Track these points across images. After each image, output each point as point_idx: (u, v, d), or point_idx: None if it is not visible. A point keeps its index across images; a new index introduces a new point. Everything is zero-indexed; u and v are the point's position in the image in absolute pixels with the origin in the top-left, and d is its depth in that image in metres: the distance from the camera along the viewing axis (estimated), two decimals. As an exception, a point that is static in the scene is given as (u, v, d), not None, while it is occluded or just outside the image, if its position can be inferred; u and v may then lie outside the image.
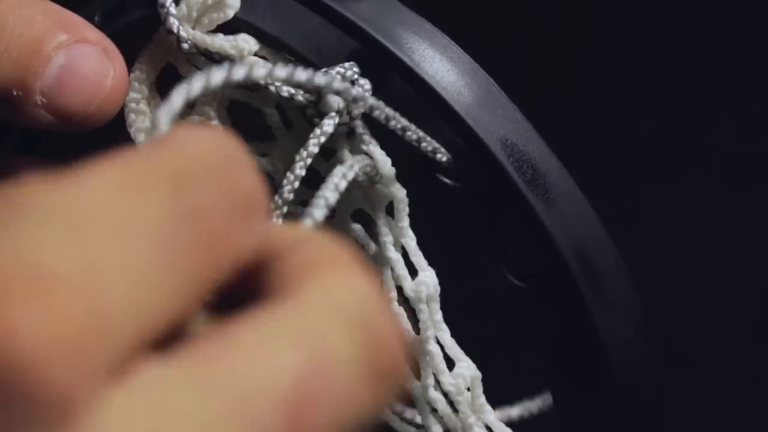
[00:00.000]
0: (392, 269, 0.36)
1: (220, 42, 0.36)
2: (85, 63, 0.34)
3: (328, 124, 0.35)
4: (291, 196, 0.36)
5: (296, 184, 0.36)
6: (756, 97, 0.55)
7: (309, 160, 0.35)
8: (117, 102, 0.35)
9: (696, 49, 0.55)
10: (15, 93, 0.33)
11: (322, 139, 0.35)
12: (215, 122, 0.37)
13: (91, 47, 0.34)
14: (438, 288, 0.36)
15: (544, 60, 0.51)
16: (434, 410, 0.38)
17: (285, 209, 0.36)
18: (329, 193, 0.34)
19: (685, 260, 0.55)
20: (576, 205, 0.36)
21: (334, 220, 0.38)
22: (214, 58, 0.36)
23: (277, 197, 0.35)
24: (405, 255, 0.36)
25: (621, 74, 0.55)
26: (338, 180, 0.34)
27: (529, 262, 0.36)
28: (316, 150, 0.35)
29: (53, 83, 0.34)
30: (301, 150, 0.35)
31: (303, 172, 0.36)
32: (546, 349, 0.37)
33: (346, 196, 0.37)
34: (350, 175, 0.34)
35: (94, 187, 0.20)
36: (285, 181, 0.35)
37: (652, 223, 0.38)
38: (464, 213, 0.36)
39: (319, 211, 0.32)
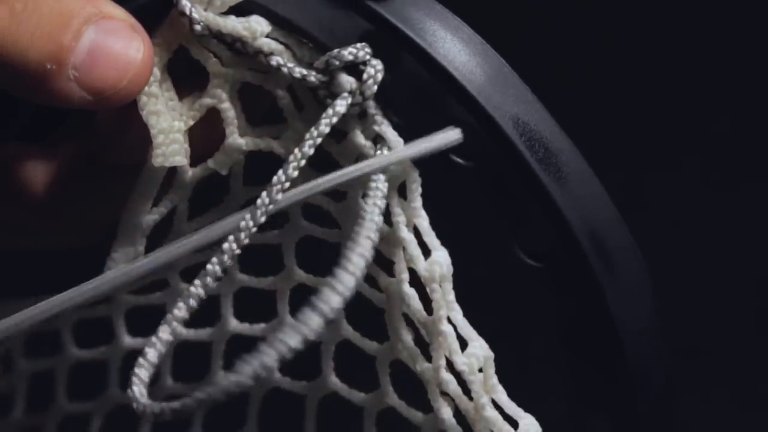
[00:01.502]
0: (405, 249, 0.36)
1: (233, 24, 0.36)
2: (115, 38, 0.34)
3: (341, 104, 0.35)
4: (295, 173, 0.35)
5: (303, 162, 0.35)
6: (760, 88, 0.55)
7: (319, 140, 0.35)
8: (146, 78, 0.35)
9: (699, 40, 0.55)
10: (49, 67, 0.33)
11: (335, 120, 0.35)
12: (226, 104, 0.37)
13: (119, 22, 0.34)
14: (451, 268, 0.36)
15: (546, 51, 0.51)
16: (444, 393, 0.38)
17: (287, 185, 0.35)
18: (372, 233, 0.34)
19: (686, 251, 0.55)
20: (588, 184, 0.36)
21: (346, 201, 0.38)
22: (226, 40, 0.36)
23: (281, 172, 0.35)
24: (417, 235, 0.36)
25: (623, 65, 0.55)
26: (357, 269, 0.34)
27: (542, 242, 0.36)
28: (327, 129, 0.35)
29: (86, 57, 0.34)
30: (312, 129, 0.35)
31: (311, 151, 0.35)
32: (557, 328, 0.37)
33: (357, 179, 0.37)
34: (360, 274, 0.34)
35: None
36: (291, 158, 0.35)
37: (653, 213, 0.38)
38: (476, 193, 0.36)
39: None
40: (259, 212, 0.35)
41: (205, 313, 0.45)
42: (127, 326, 0.47)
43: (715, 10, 0.54)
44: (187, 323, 0.44)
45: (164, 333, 0.36)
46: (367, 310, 0.42)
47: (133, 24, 0.34)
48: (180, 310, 0.36)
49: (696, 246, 0.56)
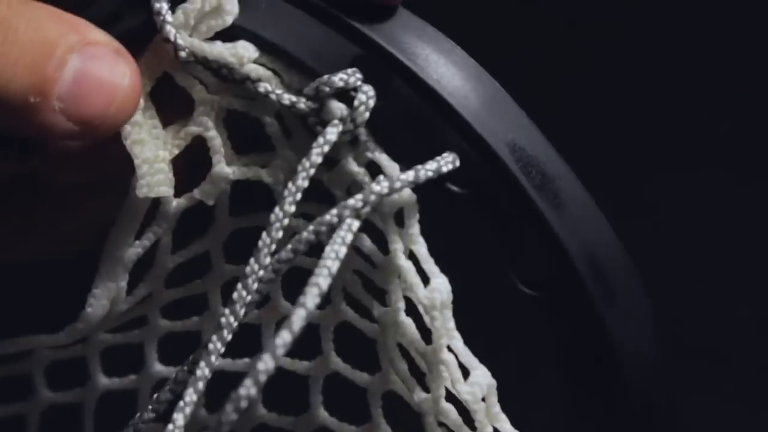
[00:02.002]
0: (401, 278, 0.35)
1: (219, 50, 0.34)
2: (99, 64, 0.33)
3: (332, 132, 0.34)
4: (292, 209, 0.34)
5: (298, 195, 0.34)
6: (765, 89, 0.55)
7: (312, 171, 0.34)
8: (134, 103, 0.34)
9: (707, 40, 0.54)
10: (32, 100, 0.32)
11: (326, 149, 0.34)
12: (213, 132, 0.36)
13: (103, 48, 0.33)
14: (451, 295, 0.35)
15: (552, 53, 0.51)
16: (441, 424, 0.37)
17: (286, 221, 0.34)
18: (323, 279, 0.32)
19: (695, 252, 0.54)
20: (585, 210, 0.35)
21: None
22: (212, 66, 0.35)
23: (278, 210, 0.34)
24: (415, 263, 0.35)
25: (631, 66, 0.54)
26: (331, 263, 0.33)
27: (539, 270, 0.36)
28: (319, 160, 0.34)
29: (70, 86, 0.32)
30: (304, 160, 0.34)
31: (306, 183, 0.34)
32: (556, 357, 0.36)
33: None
34: (343, 252, 0.33)
35: None
36: (286, 192, 0.34)
37: (662, 214, 0.38)
38: (472, 221, 0.35)
39: (311, 299, 0.31)
40: (262, 256, 0.34)
41: (187, 349, 0.44)
42: (103, 367, 0.45)
43: (719, 11, 0.54)
44: (172, 361, 0.43)
45: (202, 369, 0.35)
46: (356, 342, 0.41)
47: (117, 48, 0.33)
48: (217, 343, 0.35)
49: (704, 246, 0.56)
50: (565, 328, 0.36)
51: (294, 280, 0.42)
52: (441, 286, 0.35)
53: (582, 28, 0.53)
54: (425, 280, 0.35)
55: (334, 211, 0.34)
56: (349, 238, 0.33)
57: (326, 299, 0.41)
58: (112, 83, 0.33)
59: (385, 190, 0.34)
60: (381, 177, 0.35)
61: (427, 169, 0.34)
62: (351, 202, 0.34)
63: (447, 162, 0.34)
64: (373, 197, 0.34)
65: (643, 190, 0.35)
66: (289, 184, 0.34)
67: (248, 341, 0.44)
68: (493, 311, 0.37)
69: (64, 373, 0.46)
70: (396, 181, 0.34)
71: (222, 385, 0.44)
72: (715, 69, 0.55)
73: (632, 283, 0.36)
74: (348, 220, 0.34)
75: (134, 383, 0.45)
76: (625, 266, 0.36)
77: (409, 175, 0.34)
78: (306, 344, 0.42)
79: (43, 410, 0.47)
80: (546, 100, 0.35)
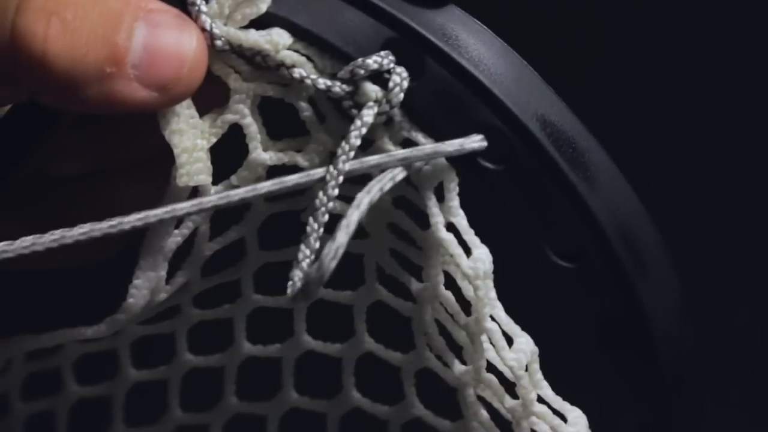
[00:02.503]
0: (444, 250, 0.36)
1: (255, 37, 0.35)
2: (166, 29, 0.33)
3: (368, 114, 0.35)
4: (336, 192, 0.35)
5: (341, 179, 0.35)
6: (764, 93, 0.56)
7: (352, 153, 0.35)
8: (204, 64, 0.34)
9: (705, 44, 0.55)
10: (108, 70, 0.33)
11: (364, 131, 0.35)
12: (249, 119, 0.36)
13: (166, 14, 0.34)
14: (492, 265, 0.36)
15: (550, 56, 0.51)
16: (479, 398, 0.38)
17: (331, 205, 0.35)
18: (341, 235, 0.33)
19: (695, 257, 0.55)
20: (615, 182, 0.36)
21: (373, 208, 0.38)
22: (246, 54, 0.35)
23: (321, 194, 0.35)
24: (456, 235, 0.36)
25: (628, 70, 0.55)
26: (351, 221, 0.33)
27: (572, 243, 0.36)
28: (358, 142, 0.35)
29: (142, 54, 0.33)
30: (343, 143, 0.35)
31: (347, 167, 0.35)
32: (590, 327, 0.37)
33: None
34: (365, 207, 0.34)
35: None
36: (328, 177, 0.35)
37: (662, 222, 0.38)
38: (505, 196, 0.36)
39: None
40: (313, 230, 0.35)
41: (218, 337, 0.45)
42: (132, 359, 0.46)
43: (719, 14, 0.54)
44: (202, 350, 0.44)
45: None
46: (386, 323, 0.42)
47: (178, 13, 0.34)
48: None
49: (705, 252, 0.57)
50: (598, 298, 0.37)
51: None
52: (483, 255, 0.36)
53: (579, 34, 0.54)
54: (467, 251, 0.36)
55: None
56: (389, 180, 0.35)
57: (360, 279, 0.41)
58: (181, 46, 0.34)
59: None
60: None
61: (459, 146, 0.35)
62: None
63: (473, 141, 0.35)
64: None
65: (642, 197, 0.35)
66: (331, 169, 0.35)
67: (278, 327, 0.44)
68: (528, 284, 0.38)
69: (89, 367, 0.47)
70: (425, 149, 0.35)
71: (255, 372, 0.45)
72: (712, 74, 0.55)
73: (661, 254, 0.37)
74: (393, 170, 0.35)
75: (164, 374, 0.46)
76: (655, 238, 0.37)
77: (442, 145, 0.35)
78: (336, 327, 0.43)
79: (72, 405, 0.47)
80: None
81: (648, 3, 0.54)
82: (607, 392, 0.37)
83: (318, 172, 0.35)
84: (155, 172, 0.39)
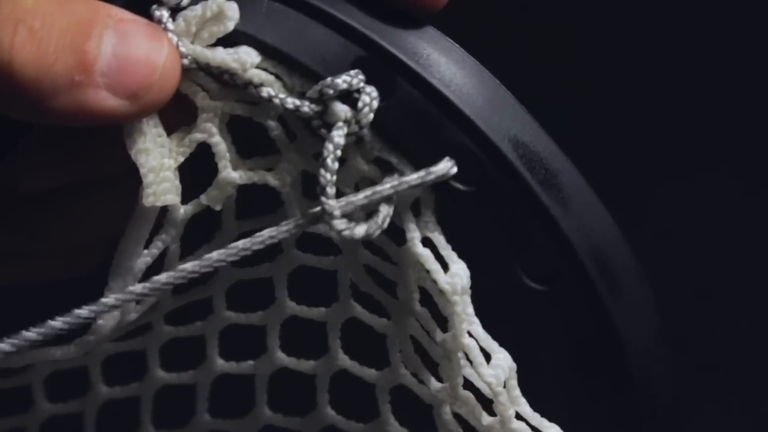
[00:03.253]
0: (421, 265, 0.35)
1: (222, 56, 0.35)
2: (135, 37, 0.33)
3: (339, 136, 0.35)
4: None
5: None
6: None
7: (334, 178, 0.34)
8: (176, 72, 0.34)
9: (708, 49, 0.55)
10: (77, 78, 0.32)
11: (338, 153, 0.34)
12: (217, 138, 0.36)
13: (135, 23, 0.33)
14: (470, 281, 0.35)
15: (551, 62, 0.51)
16: (455, 414, 0.37)
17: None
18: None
19: (699, 264, 0.55)
20: (589, 204, 0.36)
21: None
22: (214, 72, 0.35)
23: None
24: (433, 250, 0.36)
25: (631, 76, 0.54)
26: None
27: (545, 265, 0.36)
28: (336, 165, 0.34)
29: (111, 61, 0.33)
30: (321, 170, 0.34)
31: (333, 190, 0.35)
32: (562, 350, 0.37)
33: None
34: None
35: None
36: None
37: (665, 227, 0.38)
38: (477, 218, 0.36)
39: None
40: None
41: (190, 354, 0.44)
42: (103, 376, 0.45)
43: (725, 16, 0.54)
44: (175, 367, 0.43)
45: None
46: (361, 340, 0.42)
47: (148, 23, 0.34)
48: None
49: (708, 259, 0.56)
50: (571, 321, 0.36)
51: (299, 283, 0.42)
52: (461, 271, 0.35)
53: (584, 39, 0.54)
54: (444, 267, 0.35)
55: None
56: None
57: (334, 296, 0.41)
58: (152, 52, 0.33)
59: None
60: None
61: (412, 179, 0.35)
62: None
63: (442, 169, 0.35)
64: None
65: (645, 204, 0.35)
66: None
67: (251, 343, 0.44)
68: (500, 306, 0.37)
69: (62, 384, 0.46)
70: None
71: (228, 389, 0.45)
72: (717, 79, 0.55)
73: (636, 276, 0.36)
74: None
75: (136, 391, 0.45)
76: (629, 259, 0.36)
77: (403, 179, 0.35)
78: (310, 344, 0.43)
79: (43, 422, 0.47)
80: (539, 115, 0.36)
81: (654, 7, 0.54)
82: (581, 415, 0.37)
83: (288, 226, 0.35)
84: (126, 185, 0.39)
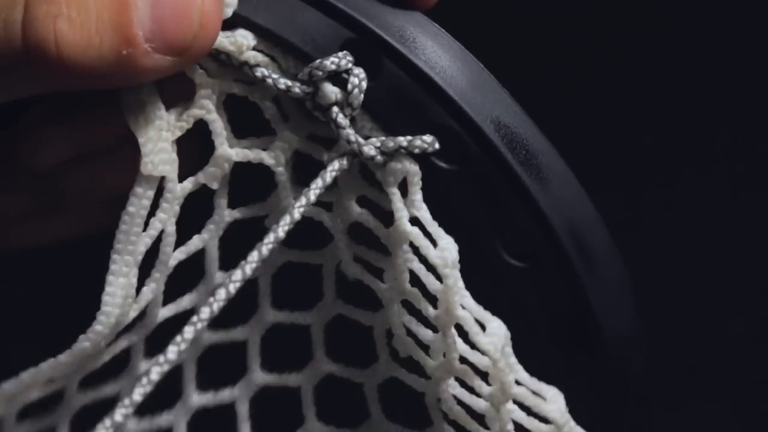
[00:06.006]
0: (411, 243, 0.37)
1: (220, 39, 0.36)
2: None
3: (332, 170, 0.37)
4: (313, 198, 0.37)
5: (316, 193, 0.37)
6: (760, 98, 0.56)
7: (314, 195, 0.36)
8: (217, 15, 0.35)
9: (698, 51, 0.56)
10: (125, 52, 0.34)
11: (328, 180, 0.37)
12: (214, 115, 0.37)
13: None
14: (458, 255, 0.36)
15: (542, 63, 0.52)
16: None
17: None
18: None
19: (687, 265, 0.55)
20: (567, 184, 0.37)
21: (336, 208, 0.39)
22: (212, 52, 0.37)
23: (303, 197, 0.36)
24: (421, 228, 0.37)
25: (621, 79, 0.56)
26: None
27: (524, 242, 0.37)
28: (329, 180, 0.37)
29: (152, 25, 0.34)
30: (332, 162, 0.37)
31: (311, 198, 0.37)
32: (542, 326, 0.38)
33: (348, 182, 0.38)
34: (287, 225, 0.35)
35: None
36: (313, 185, 0.37)
37: (654, 227, 0.39)
38: (459, 196, 0.37)
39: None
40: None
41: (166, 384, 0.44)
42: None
43: (718, 19, 0.55)
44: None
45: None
46: (342, 345, 0.42)
47: None
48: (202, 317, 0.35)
49: (696, 260, 0.57)
50: (550, 297, 0.37)
51: (282, 291, 0.43)
52: (449, 245, 0.37)
53: (578, 37, 0.55)
54: (432, 243, 0.37)
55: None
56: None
57: (317, 297, 0.42)
58: (187, 3, 0.34)
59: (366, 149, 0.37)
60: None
61: (399, 141, 0.36)
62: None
63: (425, 141, 0.36)
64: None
65: (634, 206, 0.36)
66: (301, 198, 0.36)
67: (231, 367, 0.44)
68: (480, 283, 0.38)
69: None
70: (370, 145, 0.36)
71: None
72: (711, 80, 0.56)
73: (613, 255, 0.38)
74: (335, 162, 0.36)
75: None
76: (606, 238, 0.38)
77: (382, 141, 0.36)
78: (292, 356, 0.43)
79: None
80: (532, 115, 0.37)
81: (647, 8, 0.55)
82: (560, 390, 0.38)
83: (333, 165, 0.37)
84: (133, 154, 0.40)
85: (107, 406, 0.41)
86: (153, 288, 0.39)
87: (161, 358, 0.34)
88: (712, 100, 0.55)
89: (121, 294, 0.37)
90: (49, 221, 0.43)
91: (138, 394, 0.33)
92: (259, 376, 0.44)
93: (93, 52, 0.34)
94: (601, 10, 0.54)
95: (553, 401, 0.36)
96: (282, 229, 0.35)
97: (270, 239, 0.35)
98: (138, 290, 0.38)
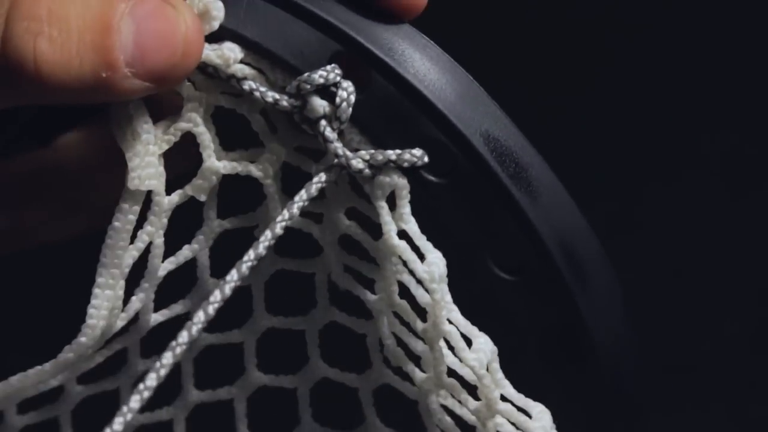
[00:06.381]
0: (398, 257, 0.37)
1: (206, 52, 0.36)
2: (154, 19, 0.34)
3: (317, 182, 0.36)
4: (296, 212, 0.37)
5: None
6: (756, 99, 0.56)
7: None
8: (199, 43, 0.35)
9: (696, 51, 0.56)
10: (104, 75, 0.34)
11: (313, 191, 0.36)
12: (201, 128, 0.37)
13: (151, 2, 0.34)
14: (446, 269, 0.36)
15: (542, 65, 0.52)
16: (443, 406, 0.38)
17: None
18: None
19: (684, 266, 0.55)
20: (557, 197, 0.37)
21: (326, 221, 0.39)
22: (199, 66, 0.36)
23: (286, 212, 0.36)
24: (409, 242, 0.37)
25: (621, 78, 0.55)
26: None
27: (514, 255, 0.37)
28: (315, 192, 0.36)
29: (134, 51, 0.34)
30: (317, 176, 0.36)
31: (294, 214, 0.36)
32: (531, 341, 0.38)
33: (337, 194, 0.38)
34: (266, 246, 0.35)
35: None
36: (297, 199, 0.36)
37: (651, 228, 0.39)
38: (449, 209, 0.37)
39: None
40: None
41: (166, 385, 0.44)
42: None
43: (718, 21, 0.55)
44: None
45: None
46: (337, 350, 0.42)
47: (161, 1, 0.35)
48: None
49: (693, 261, 0.57)
50: (540, 311, 0.37)
51: (276, 296, 0.43)
52: (437, 259, 0.36)
53: (582, 44, 0.55)
54: (420, 257, 0.37)
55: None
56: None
57: (311, 301, 0.42)
58: (171, 32, 0.34)
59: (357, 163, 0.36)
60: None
61: (388, 155, 0.36)
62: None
63: (414, 155, 0.36)
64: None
65: (633, 209, 0.36)
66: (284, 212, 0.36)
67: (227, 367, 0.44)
68: (469, 296, 0.38)
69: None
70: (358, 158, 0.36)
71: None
72: (711, 82, 0.56)
73: (603, 267, 0.37)
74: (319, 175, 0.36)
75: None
76: (596, 251, 0.37)
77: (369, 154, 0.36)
78: (287, 359, 0.43)
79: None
80: (532, 117, 0.37)
81: (649, 13, 0.55)
82: (550, 405, 0.38)
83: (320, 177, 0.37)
84: (94, 121, 0.40)
85: (108, 397, 0.43)
86: (142, 298, 0.39)
87: (157, 364, 0.34)
88: (712, 100, 0.55)
89: (107, 306, 0.37)
90: (67, 222, 0.43)
91: (135, 402, 0.33)
92: (255, 377, 0.44)
93: (72, 72, 0.33)
94: (599, 12, 0.54)
95: (538, 419, 0.36)
96: (263, 245, 0.35)
97: (250, 256, 0.35)
98: (127, 299, 0.38)
